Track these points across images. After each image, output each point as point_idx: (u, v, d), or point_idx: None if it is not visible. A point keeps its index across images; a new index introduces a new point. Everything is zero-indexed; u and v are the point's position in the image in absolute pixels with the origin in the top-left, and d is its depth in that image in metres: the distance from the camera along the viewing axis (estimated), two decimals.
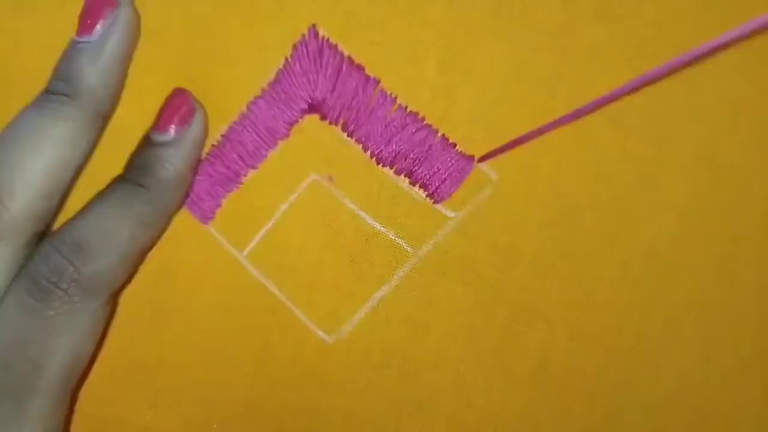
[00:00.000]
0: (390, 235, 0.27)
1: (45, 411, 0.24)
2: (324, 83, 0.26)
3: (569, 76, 0.26)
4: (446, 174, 0.27)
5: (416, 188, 0.27)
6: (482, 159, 0.26)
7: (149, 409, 0.28)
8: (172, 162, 0.25)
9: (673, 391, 0.27)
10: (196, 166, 0.27)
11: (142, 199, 0.25)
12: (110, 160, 0.27)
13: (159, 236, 0.27)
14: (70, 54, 0.25)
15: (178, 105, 0.26)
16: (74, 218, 0.25)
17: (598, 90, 0.26)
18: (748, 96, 0.26)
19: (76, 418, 0.28)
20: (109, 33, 0.25)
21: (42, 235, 0.26)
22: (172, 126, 0.25)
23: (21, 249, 0.25)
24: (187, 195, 0.27)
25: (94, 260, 0.24)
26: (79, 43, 0.25)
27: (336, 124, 0.27)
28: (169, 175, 0.25)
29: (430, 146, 0.27)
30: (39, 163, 0.24)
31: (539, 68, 0.26)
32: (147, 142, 0.26)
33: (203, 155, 0.27)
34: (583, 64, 0.26)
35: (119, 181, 0.25)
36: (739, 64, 0.26)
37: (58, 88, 0.25)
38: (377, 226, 0.27)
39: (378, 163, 0.27)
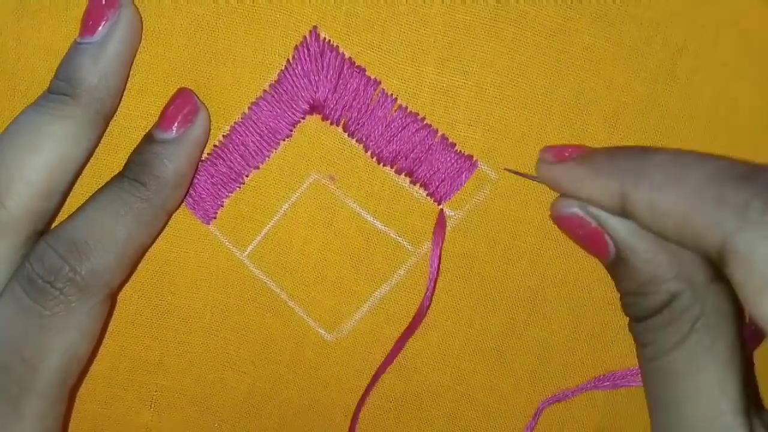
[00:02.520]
0: (391, 234, 0.26)
1: (41, 411, 0.23)
2: (325, 84, 0.25)
3: (567, 77, 0.25)
4: (446, 173, 0.26)
5: (416, 187, 0.26)
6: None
7: (149, 409, 0.27)
8: (173, 160, 0.24)
9: None
10: (196, 166, 0.25)
11: (141, 197, 0.24)
12: (111, 160, 0.26)
13: (157, 235, 0.26)
14: (72, 54, 0.24)
15: (182, 104, 0.25)
16: (71, 216, 0.24)
17: (595, 89, 0.25)
18: (745, 95, 0.25)
19: (76, 418, 0.27)
20: (110, 34, 0.24)
21: (41, 234, 0.24)
22: (175, 124, 0.24)
23: (19, 247, 0.24)
24: (187, 194, 0.26)
25: (90, 259, 0.23)
26: (80, 43, 0.24)
27: (337, 124, 0.26)
28: (169, 173, 0.24)
29: (430, 146, 0.26)
30: (38, 162, 0.23)
31: (537, 69, 0.25)
32: (149, 140, 0.24)
33: (205, 155, 0.26)
34: (580, 64, 0.25)
35: (118, 178, 0.24)
36: (735, 64, 0.25)
37: (59, 87, 0.24)
38: (378, 225, 0.26)
39: (379, 163, 0.26)
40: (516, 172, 0.25)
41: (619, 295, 0.23)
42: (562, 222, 0.23)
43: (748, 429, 0.20)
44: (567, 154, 0.23)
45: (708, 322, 0.20)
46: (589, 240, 0.23)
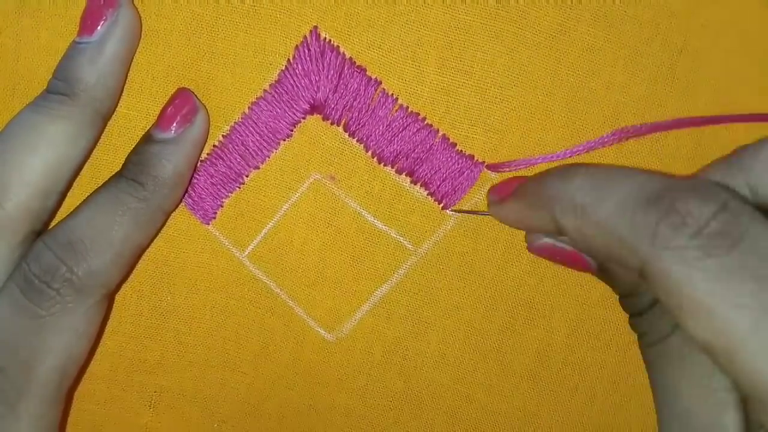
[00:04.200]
0: (391, 234, 0.25)
1: (37, 412, 0.22)
2: (326, 84, 0.24)
3: (567, 77, 0.25)
4: (447, 173, 0.25)
5: (417, 187, 0.25)
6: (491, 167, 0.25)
7: (149, 409, 0.26)
8: (171, 160, 0.23)
9: None
10: (194, 166, 0.25)
11: (138, 197, 0.23)
12: (110, 160, 0.25)
13: (155, 235, 0.25)
14: (70, 54, 0.23)
15: (181, 104, 0.24)
16: (69, 216, 0.23)
17: (595, 90, 0.24)
18: (744, 96, 0.25)
19: (77, 418, 0.26)
20: (109, 33, 0.23)
21: (39, 234, 0.23)
22: (174, 125, 0.23)
23: (16, 247, 0.23)
24: (187, 195, 0.25)
25: (87, 259, 0.22)
26: (79, 43, 0.23)
27: (338, 124, 0.25)
28: (167, 173, 0.23)
29: (430, 146, 0.25)
30: (36, 162, 0.22)
31: (537, 69, 0.24)
32: (147, 140, 0.24)
33: (205, 155, 0.25)
34: (580, 64, 0.24)
35: (116, 178, 0.23)
36: (734, 64, 0.24)
37: (57, 87, 0.23)
38: (378, 224, 0.25)
39: (379, 163, 0.25)
40: (465, 212, 0.25)
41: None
42: (538, 253, 0.23)
43: (741, 404, 0.19)
44: (509, 190, 0.23)
45: None
46: (569, 261, 0.22)
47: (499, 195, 0.23)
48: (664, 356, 0.20)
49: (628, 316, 0.22)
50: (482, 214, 0.25)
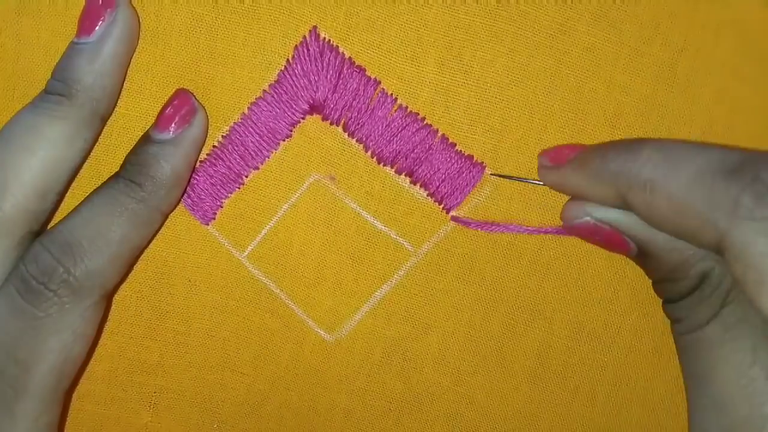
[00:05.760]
0: (391, 235, 0.25)
1: (35, 412, 0.22)
2: (325, 84, 0.24)
3: (567, 77, 0.24)
4: (446, 173, 0.25)
5: (417, 188, 0.25)
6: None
7: (148, 410, 0.26)
8: (169, 160, 0.23)
9: (671, 388, 0.25)
10: (193, 167, 0.24)
11: (136, 198, 0.23)
12: (109, 160, 0.25)
13: (153, 236, 0.24)
14: (68, 55, 0.23)
15: (180, 105, 0.23)
16: (66, 217, 0.23)
17: (596, 90, 0.24)
18: (745, 96, 0.24)
19: (76, 418, 0.26)
20: (107, 34, 0.23)
21: (37, 234, 0.23)
22: (172, 125, 0.23)
23: (14, 248, 0.23)
24: (186, 195, 0.25)
25: (85, 260, 0.22)
26: (77, 44, 0.23)
27: (337, 124, 0.25)
28: (166, 173, 0.23)
29: (430, 146, 0.25)
30: (33, 162, 0.22)
31: (538, 69, 0.24)
32: (146, 140, 0.23)
33: (204, 156, 0.25)
34: (580, 64, 0.24)
35: (113, 178, 0.23)
36: (735, 64, 0.24)
37: (55, 88, 0.23)
38: (378, 225, 0.25)
39: (379, 163, 0.25)
40: (505, 176, 0.24)
41: (620, 294, 0.22)
42: (576, 231, 0.22)
43: None
44: (564, 158, 0.22)
45: (740, 294, 0.19)
46: (607, 242, 0.22)
47: (553, 161, 0.22)
48: (700, 344, 0.20)
49: (661, 301, 0.22)
50: (528, 182, 0.24)
